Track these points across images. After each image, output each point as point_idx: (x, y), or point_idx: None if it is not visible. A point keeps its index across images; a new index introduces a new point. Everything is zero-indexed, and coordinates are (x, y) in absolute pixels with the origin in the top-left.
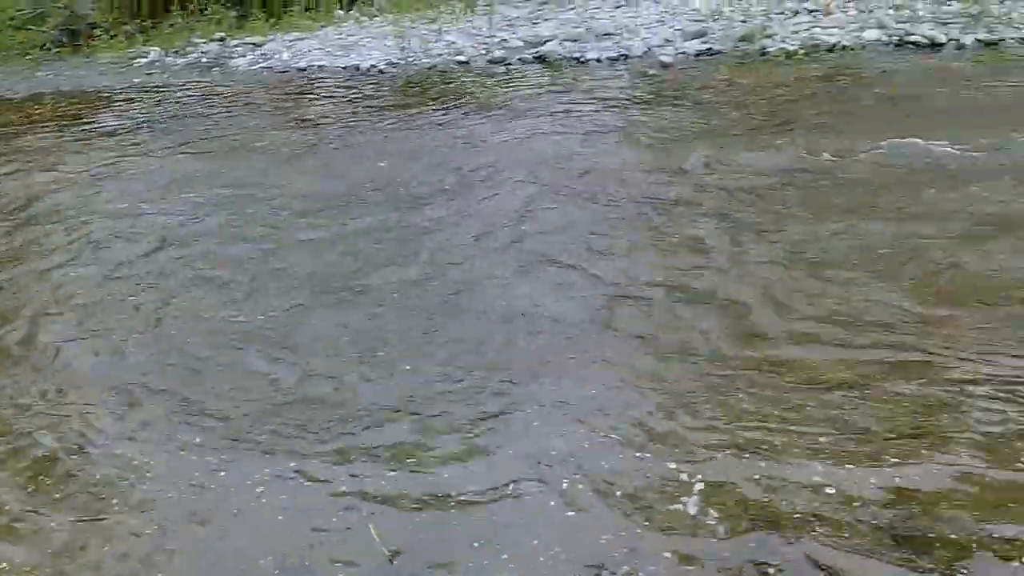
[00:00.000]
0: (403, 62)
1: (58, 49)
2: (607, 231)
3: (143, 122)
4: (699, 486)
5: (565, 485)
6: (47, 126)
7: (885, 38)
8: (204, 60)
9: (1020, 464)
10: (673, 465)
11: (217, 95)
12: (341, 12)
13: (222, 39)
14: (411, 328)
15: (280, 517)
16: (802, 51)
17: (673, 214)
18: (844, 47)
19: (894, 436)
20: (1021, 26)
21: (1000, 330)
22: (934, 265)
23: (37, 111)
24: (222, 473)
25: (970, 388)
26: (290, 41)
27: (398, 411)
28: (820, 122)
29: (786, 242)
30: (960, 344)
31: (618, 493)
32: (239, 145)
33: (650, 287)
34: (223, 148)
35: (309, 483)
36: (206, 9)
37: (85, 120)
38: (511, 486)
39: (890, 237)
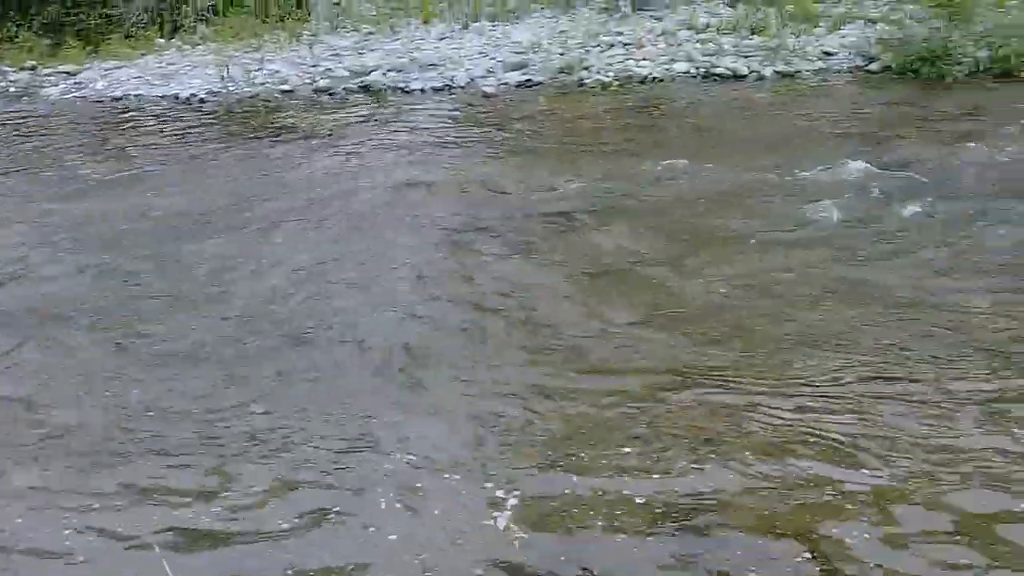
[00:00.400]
0: (225, 91)
1: None
2: (415, 255)
3: None
4: (512, 502)
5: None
6: None
7: (693, 70)
8: (12, 90)
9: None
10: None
11: (21, 125)
12: (162, 40)
13: (33, 68)
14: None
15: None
16: (616, 82)
17: (479, 236)
18: (655, 79)
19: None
20: (814, 59)
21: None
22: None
23: None
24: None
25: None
26: (107, 70)
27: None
28: (627, 148)
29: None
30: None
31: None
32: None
33: (454, 310)
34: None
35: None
36: (16, 36)
37: None
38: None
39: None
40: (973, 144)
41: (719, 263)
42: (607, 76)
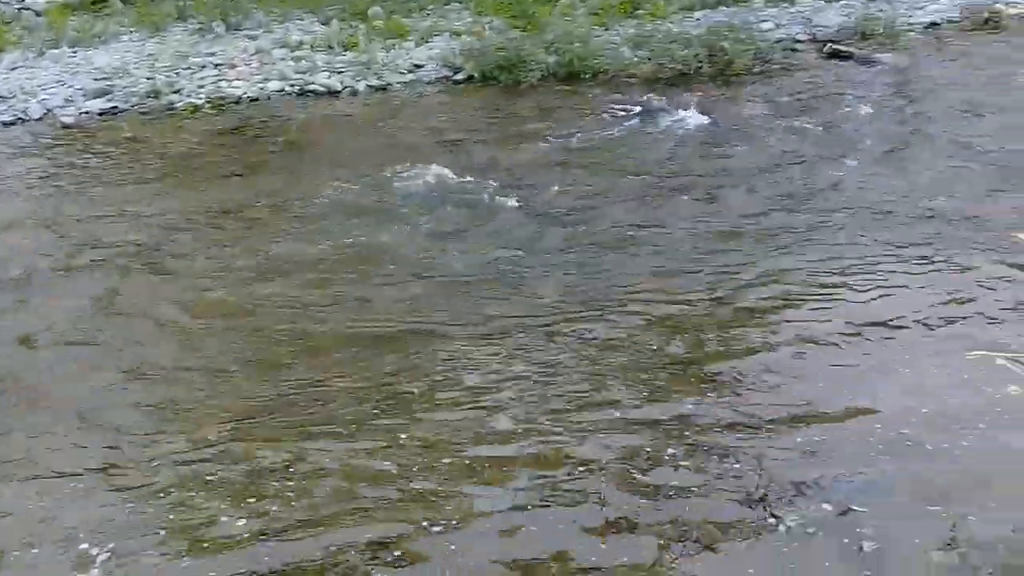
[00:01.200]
0: None
1: None
2: None
3: None
4: None
5: None
6: None
7: (288, 88)
8: None
9: None
10: None
11: None
12: None
13: None
14: None
15: None
16: (209, 105)
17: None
18: (250, 98)
19: None
20: (404, 71)
21: None
22: None
23: None
24: None
25: None
26: None
27: None
28: (216, 171)
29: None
30: None
31: None
32: None
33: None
34: None
35: None
36: None
37: None
38: None
39: None
40: (541, 143)
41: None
42: (199, 98)
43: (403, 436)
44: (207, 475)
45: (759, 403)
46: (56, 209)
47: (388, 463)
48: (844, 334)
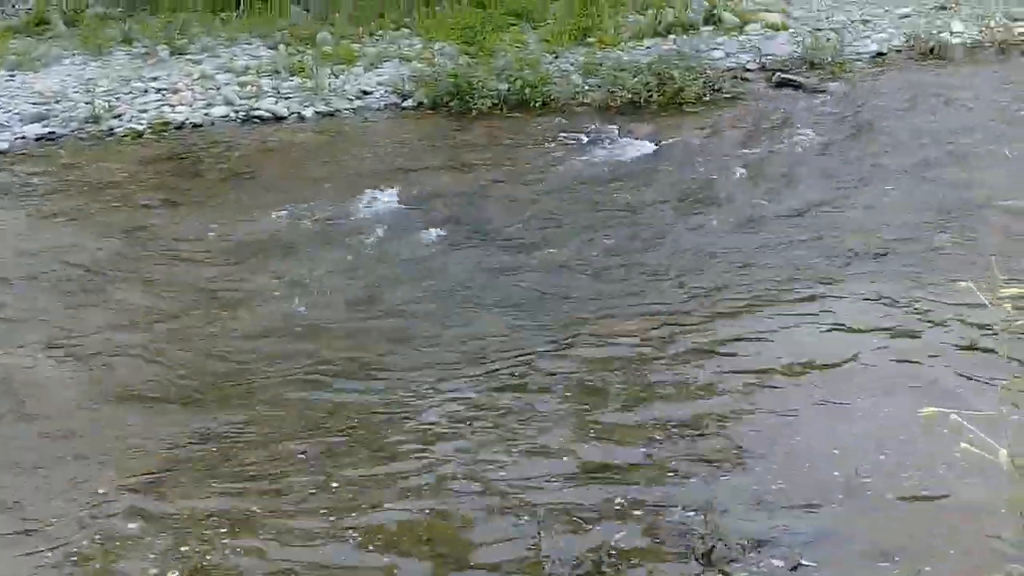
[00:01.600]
0: None
1: None
2: None
3: None
4: None
5: None
6: None
7: (233, 113)
8: None
9: None
10: None
11: None
12: None
13: None
14: None
15: None
16: (150, 131)
17: None
18: (193, 124)
19: None
20: (352, 98)
21: None
22: None
23: None
24: None
25: None
26: None
27: None
28: (156, 200)
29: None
30: None
31: None
32: None
33: None
34: None
35: None
36: None
37: None
38: None
39: None
40: (489, 172)
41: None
42: (140, 124)
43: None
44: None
45: (706, 448)
46: None
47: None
48: (791, 374)
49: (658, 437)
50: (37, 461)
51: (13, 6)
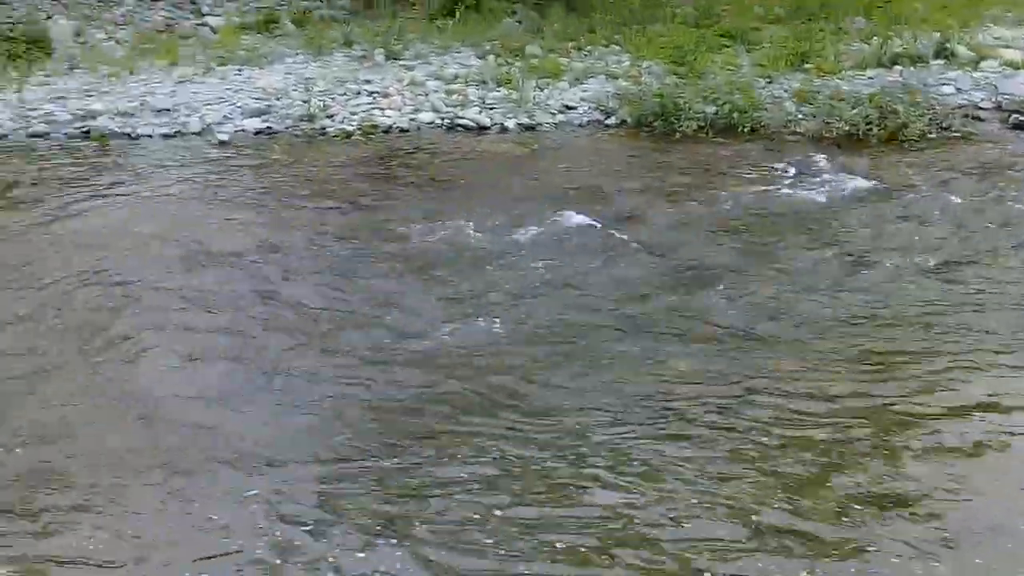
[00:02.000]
0: None
1: None
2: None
3: None
4: None
5: None
6: None
7: (438, 120)
8: None
9: None
10: None
11: None
12: None
13: None
14: None
15: None
16: (359, 132)
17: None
18: (400, 129)
19: None
20: (555, 112)
21: None
22: None
23: None
24: None
25: None
26: None
27: None
28: (360, 202)
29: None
30: None
31: None
32: None
33: None
34: None
35: None
36: None
37: None
38: None
39: None
40: (690, 200)
41: None
42: (351, 125)
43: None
44: None
45: (911, 528)
46: (177, 220)
47: None
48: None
49: (855, 508)
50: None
51: (246, 3)
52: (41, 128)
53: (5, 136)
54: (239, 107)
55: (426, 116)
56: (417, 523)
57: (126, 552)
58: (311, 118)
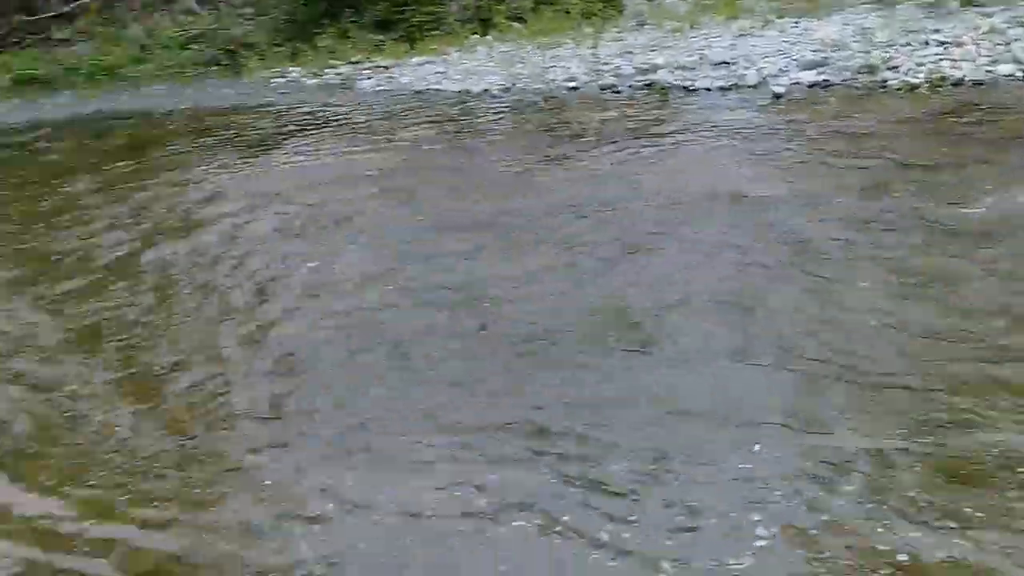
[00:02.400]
0: (512, 87)
1: (216, 68)
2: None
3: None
4: None
5: None
6: (177, 139)
7: (1020, 74)
8: (334, 82)
9: None
10: None
11: (320, 113)
12: (477, 37)
13: (356, 62)
14: None
15: None
16: (927, 84)
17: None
18: (974, 81)
19: None
20: None
21: None
22: None
23: (170, 126)
24: None
25: None
26: (417, 65)
27: None
28: (939, 164)
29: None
30: None
31: None
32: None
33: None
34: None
35: None
36: (350, 33)
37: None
38: None
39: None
40: None
41: None
42: (916, 77)
43: None
44: None
45: None
46: (722, 172)
47: None
48: None
49: None
50: None
51: None
52: (610, 81)
53: (578, 88)
54: (795, 59)
55: (1005, 68)
56: None
57: None
58: (871, 70)
